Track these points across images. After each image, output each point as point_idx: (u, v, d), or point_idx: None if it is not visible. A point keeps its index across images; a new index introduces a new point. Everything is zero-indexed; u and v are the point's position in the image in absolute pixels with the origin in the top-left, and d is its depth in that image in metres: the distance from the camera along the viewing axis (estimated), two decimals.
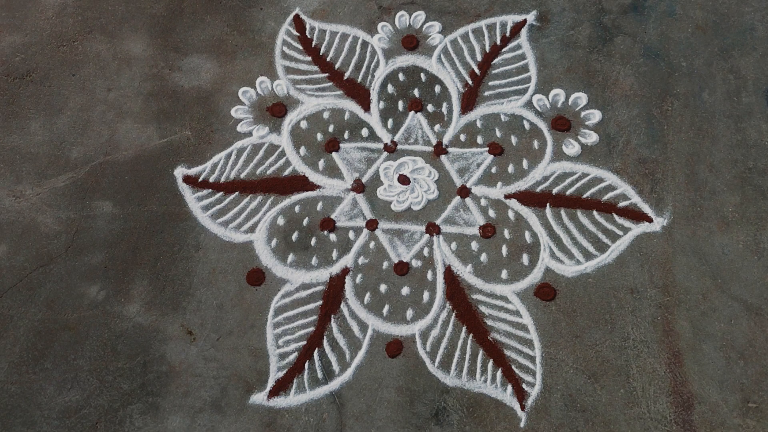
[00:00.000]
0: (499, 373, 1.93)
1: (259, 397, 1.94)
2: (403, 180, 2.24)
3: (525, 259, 2.07)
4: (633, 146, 2.20)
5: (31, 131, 2.35)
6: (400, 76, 2.40)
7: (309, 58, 2.46)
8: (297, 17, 2.53)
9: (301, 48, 2.48)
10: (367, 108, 2.37)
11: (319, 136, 2.31)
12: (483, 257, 2.09)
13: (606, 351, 1.92)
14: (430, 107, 2.34)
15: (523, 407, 1.88)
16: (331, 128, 2.32)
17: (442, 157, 2.27)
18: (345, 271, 2.12)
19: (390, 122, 2.32)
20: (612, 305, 1.97)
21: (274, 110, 2.37)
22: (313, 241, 2.14)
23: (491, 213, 2.16)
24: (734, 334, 1.91)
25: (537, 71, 2.36)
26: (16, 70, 2.46)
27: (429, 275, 2.08)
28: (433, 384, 1.92)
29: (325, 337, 2.01)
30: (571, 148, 2.23)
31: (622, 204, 2.14)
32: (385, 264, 2.10)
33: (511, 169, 2.21)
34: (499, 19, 2.47)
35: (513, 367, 1.94)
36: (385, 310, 2.04)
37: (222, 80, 2.40)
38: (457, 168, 2.25)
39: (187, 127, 2.33)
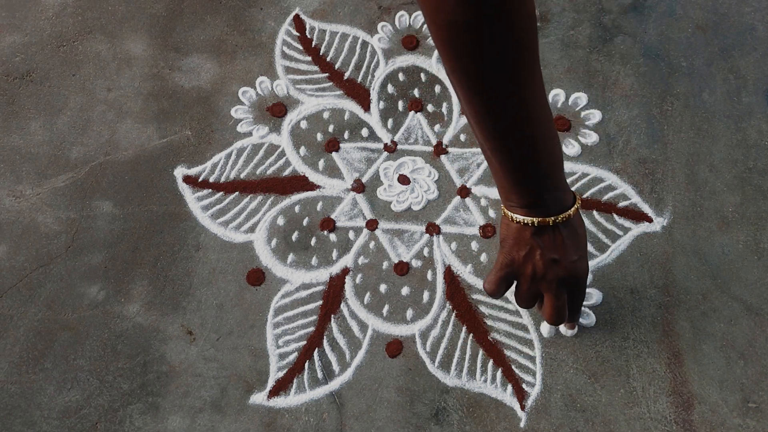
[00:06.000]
0: (499, 373, 1.93)
1: (259, 397, 1.93)
2: (403, 180, 2.24)
3: None
4: (633, 146, 2.19)
5: (31, 131, 2.35)
6: (400, 76, 2.39)
7: (309, 58, 2.45)
8: (297, 17, 2.53)
9: (301, 48, 2.47)
10: (367, 108, 2.36)
11: (319, 136, 2.30)
12: (483, 257, 2.09)
13: (606, 351, 1.91)
14: (430, 107, 2.34)
15: (523, 407, 1.88)
16: (331, 128, 2.32)
17: (442, 157, 2.27)
18: (345, 271, 2.11)
19: (390, 122, 2.32)
20: (612, 305, 1.97)
21: (274, 110, 2.36)
22: (313, 241, 2.14)
23: (491, 213, 2.16)
24: (734, 334, 1.91)
25: None
26: (16, 70, 2.45)
27: (429, 275, 2.08)
28: (433, 384, 1.91)
29: (325, 337, 2.01)
30: (571, 148, 2.22)
31: (622, 204, 2.14)
32: (385, 264, 2.10)
33: None
34: None
35: (513, 367, 1.93)
36: (385, 310, 2.03)
37: (222, 80, 2.40)
38: (457, 168, 2.25)
39: (187, 127, 2.33)
